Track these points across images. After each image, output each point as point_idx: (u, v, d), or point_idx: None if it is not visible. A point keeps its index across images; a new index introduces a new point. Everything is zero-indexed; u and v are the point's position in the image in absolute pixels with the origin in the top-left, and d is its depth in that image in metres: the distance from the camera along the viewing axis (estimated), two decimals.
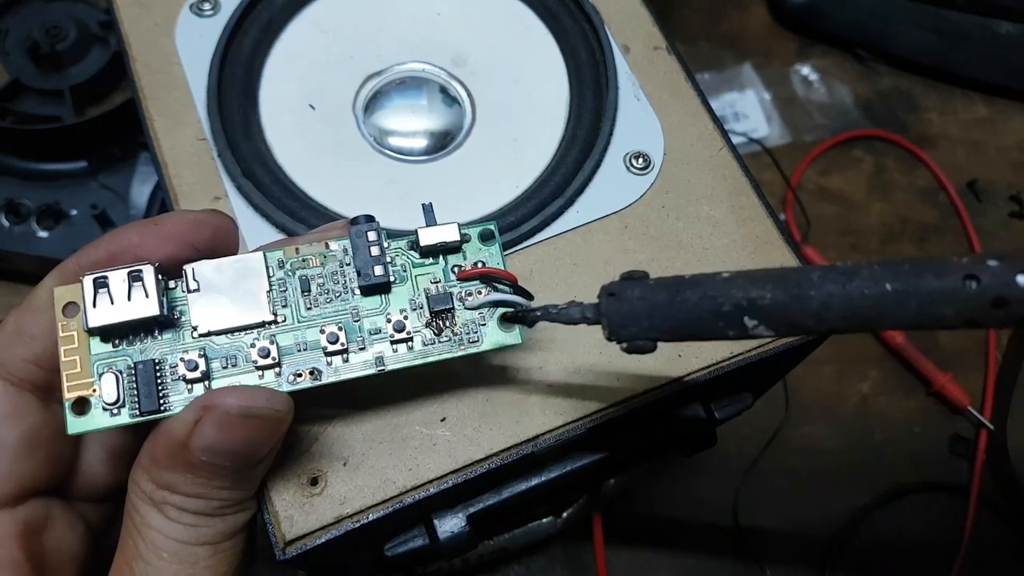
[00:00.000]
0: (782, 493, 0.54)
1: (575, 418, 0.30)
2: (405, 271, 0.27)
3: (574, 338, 0.31)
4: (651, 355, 0.30)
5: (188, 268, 0.26)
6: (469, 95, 0.36)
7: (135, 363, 0.26)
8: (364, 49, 0.37)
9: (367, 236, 0.27)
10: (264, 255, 0.27)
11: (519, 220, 0.33)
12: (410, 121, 0.36)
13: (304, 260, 0.27)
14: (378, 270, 0.27)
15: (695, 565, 0.52)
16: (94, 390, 0.26)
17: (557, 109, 0.36)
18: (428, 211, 0.28)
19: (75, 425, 0.26)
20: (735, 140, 0.51)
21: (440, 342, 0.27)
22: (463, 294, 0.27)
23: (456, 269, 0.28)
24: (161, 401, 0.26)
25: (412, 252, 0.27)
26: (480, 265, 0.28)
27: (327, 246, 0.27)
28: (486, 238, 0.28)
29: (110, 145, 0.52)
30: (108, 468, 0.29)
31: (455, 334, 0.27)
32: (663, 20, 0.38)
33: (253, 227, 0.32)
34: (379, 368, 0.27)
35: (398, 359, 0.27)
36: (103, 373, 0.26)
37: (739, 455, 0.54)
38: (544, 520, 0.50)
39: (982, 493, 0.54)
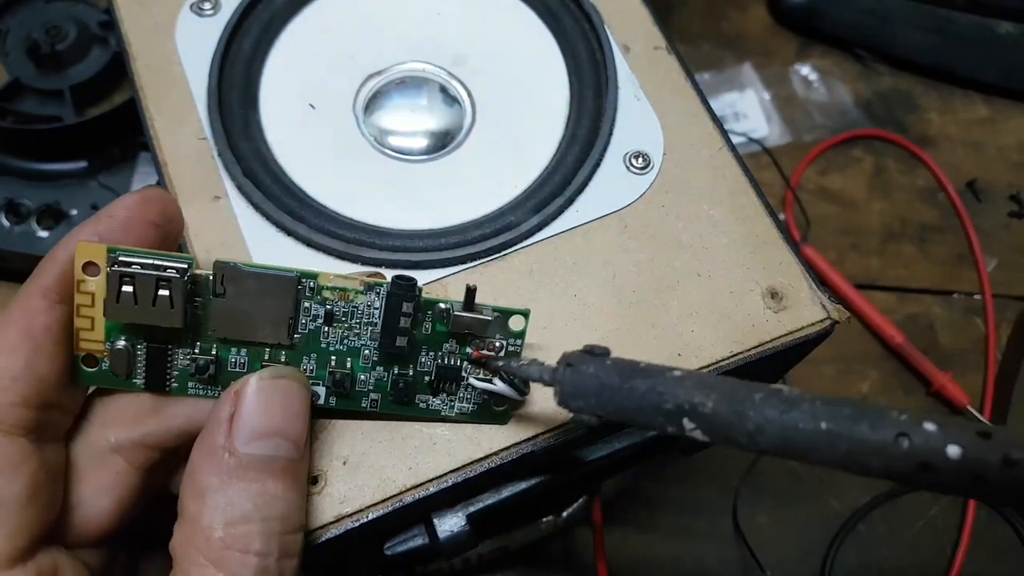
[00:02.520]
0: (782, 493, 0.54)
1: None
2: (427, 333, 0.27)
3: (573, 338, 0.31)
4: (651, 354, 0.30)
5: (220, 271, 0.25)
6: (469, 95, 0.36)
7: (148, 346, 0.26)
8: (364, 49, 0.37)
9: (403, 307, 0.26)
10: (299, 279, 0.26)
11: (519, 220, 0.33)
12: (410, 121, 0.36)
13: (334, 291, 0.26)
14: (400, 341, 0.27)
15: (695, 565, 0.52)
16: (106, 351, 0.26)
17: (557, 109, 0.36)
18: (470, 294, 0.27)
19: (87, 377, 0.26)
20: (735, 140, 0.51)
21: (434, 401, 0.29)
22: (470, 368, 0.28)
23: (475, 343, 0.28)
24: (168, 382, 0.27)
25: (442, 323, 0.27)
26: (499, 353, 0.28)
27: (363, 284, 0.26)
28: (516, 334, 0.28)
29: (110, 145, 0.52)
30: (111, 515, 0.28)
31: (450, 397, 0.29)
32: (663, 20, 0.38)
33: (253, 226, 0.32)
34: (371, 409, 0.28)
35: (390, 407, 0.28)
36: (116, 342, 0.26)
37: (739, 455, 0.54)
38: (544, 520, 0.50)
39: None
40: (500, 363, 0.27)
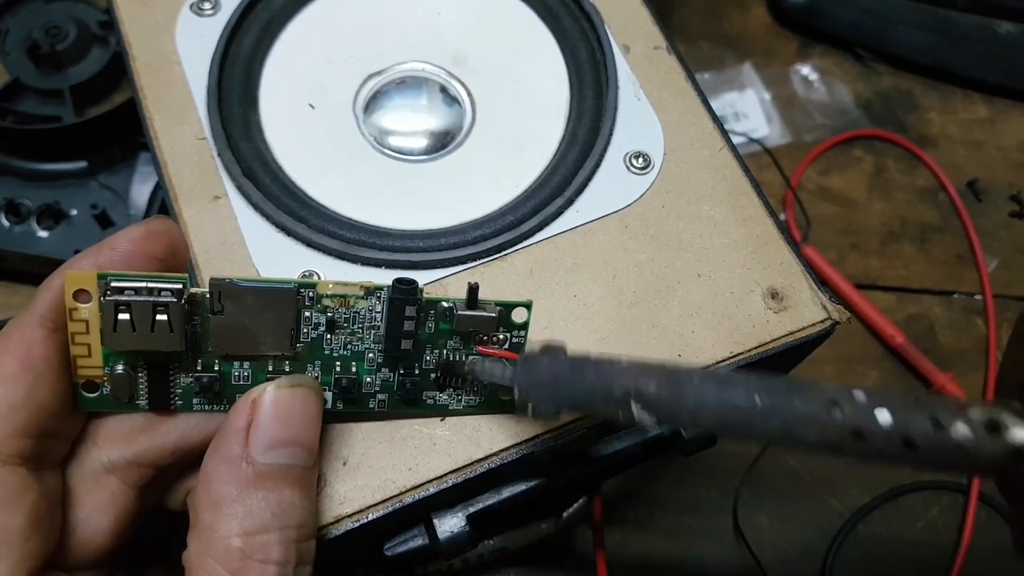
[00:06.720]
0: (782, 493, 0.54)
1: (576, 418, 0.30)
2: (430, 332, 0.27)
3: (574, 338, 0.31)
4: (651, 355, 0.30)
5: (216, 289, 0.25)
6: (469, 95, 0.36)
7: (149, 369, 0.26)
8: (364, 48, 0.37)
9: (406, 310, 0.26)
10: (298, 290, 0.26)
11: (519, 220, 0.33)
12: (410, 121, 0.36)
13: (334, 298, 0.26)
14: (405, 344, 0.27)
15: (695, 565, 0.52)
16: (105, 376, 0.26)
17: (557, 108, 0.36)
18: (472, 292, 0.27)
19: (89, 403, 0.26)
20: (735, 140, 0.51)
21: (441, 397, 0.28)
22: (475, 360, 0.28)
23: (479, 338, 0.28)
24: (172, 400, 0.26)
25: (445, 321, 0.27)
26: (504, 346, 0.28)
27: (362, 289, 0.26)
28: (519, 326, 0.28)
29: (110, 145, 0.52)
30: (109, 535, 0.27)
31: (456, 391, 0.28)
32: (663, 20, 0.38)
33: (253, 227, 0.32)
34: (379, 410, 0.28)
35: (397, 407, 0.28)
36: (115, 367, 0.26)
37: (739, 455, 0.54)
38: (544, 520, 0.50)
39: (982, 493, 0.54)
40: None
